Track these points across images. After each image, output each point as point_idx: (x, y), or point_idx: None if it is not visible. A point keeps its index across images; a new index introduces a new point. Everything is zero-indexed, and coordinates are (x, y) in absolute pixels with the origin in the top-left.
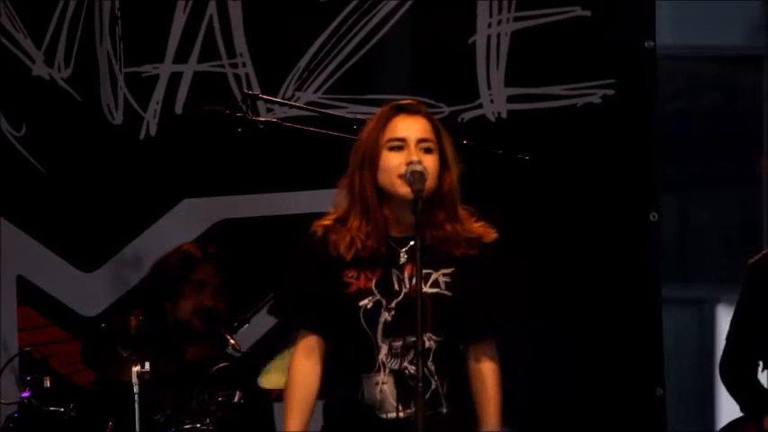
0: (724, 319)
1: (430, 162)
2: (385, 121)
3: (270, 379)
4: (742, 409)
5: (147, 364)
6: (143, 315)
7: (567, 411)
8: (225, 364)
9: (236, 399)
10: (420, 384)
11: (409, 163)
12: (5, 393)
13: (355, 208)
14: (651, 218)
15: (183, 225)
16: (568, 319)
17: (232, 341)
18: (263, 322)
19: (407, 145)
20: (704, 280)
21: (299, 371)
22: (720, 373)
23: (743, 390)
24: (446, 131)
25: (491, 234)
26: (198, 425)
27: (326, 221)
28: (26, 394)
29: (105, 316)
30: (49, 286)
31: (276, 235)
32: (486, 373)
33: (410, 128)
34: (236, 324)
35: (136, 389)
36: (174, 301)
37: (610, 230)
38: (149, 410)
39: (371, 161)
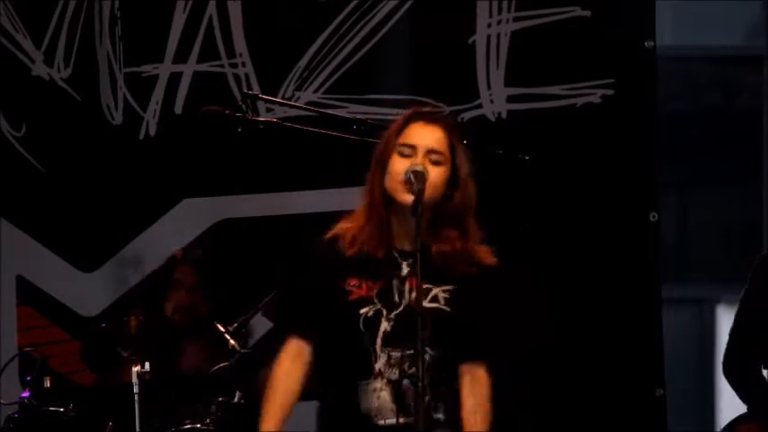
0: (724, 319)
1: (435, 174)
2: (404, 124)
3: None
4: (747, 406)
5: (147, 364)
6: (143, 315)
7: (567, 411)
8: (225, 363)
9: (236, 399)
10: (420, 385)
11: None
12: (5, 393)
13: (364, 204)
14: (651, 218)
15: (182, 225)
16: (568, 319)
17: (232, 341)
18: (263, 322)
19: (416, 153)
20: (704, 280)
21: (283, 373)
22: (724, 370)
23: (747, 385)
24: (462, 146)
25: (491, 258)
26: (198, 425)
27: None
28: (26, 394)
29: (105, 316)
30: (49, 286)
31: (276, 235)
32: (477, 394)
33: (422, 136)
34: (235, 325)
35: (136, 389)
36: (160, 301)
37: (610, 230)
38: (149, 410)
39: (383, 162)
